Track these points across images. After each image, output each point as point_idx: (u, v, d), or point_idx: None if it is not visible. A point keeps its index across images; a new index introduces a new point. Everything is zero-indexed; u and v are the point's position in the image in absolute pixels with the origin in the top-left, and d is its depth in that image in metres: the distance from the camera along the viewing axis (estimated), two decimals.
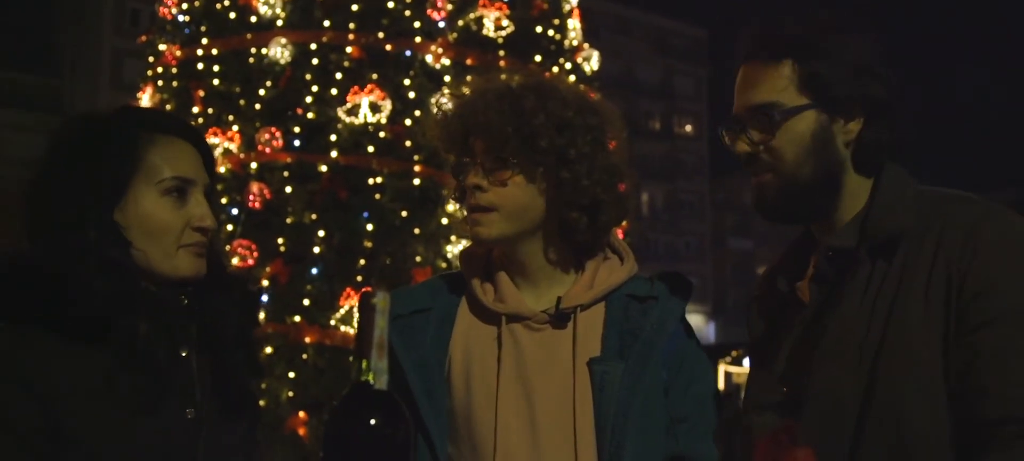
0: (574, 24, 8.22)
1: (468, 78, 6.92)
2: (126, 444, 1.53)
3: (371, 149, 6.90)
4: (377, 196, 6.85)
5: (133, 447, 1.54)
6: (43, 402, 1.48)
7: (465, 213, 1.92)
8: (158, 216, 1.63)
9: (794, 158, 1.69)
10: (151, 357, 1.56)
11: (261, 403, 4.90)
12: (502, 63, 7.32)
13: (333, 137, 6.91)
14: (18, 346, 1.52)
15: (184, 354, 1.65)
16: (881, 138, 1.71)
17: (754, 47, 1.75)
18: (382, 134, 6.89)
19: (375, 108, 6.83)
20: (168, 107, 7.34)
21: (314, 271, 6.77)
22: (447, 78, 7.14)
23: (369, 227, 6.76)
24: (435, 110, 1.99)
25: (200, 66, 7.48)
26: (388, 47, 7.12)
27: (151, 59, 7.99)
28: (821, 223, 1.77)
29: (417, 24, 7.19)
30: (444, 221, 6.85)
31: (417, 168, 6.94)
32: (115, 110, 1.75)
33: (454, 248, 6.79)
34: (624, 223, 2.12)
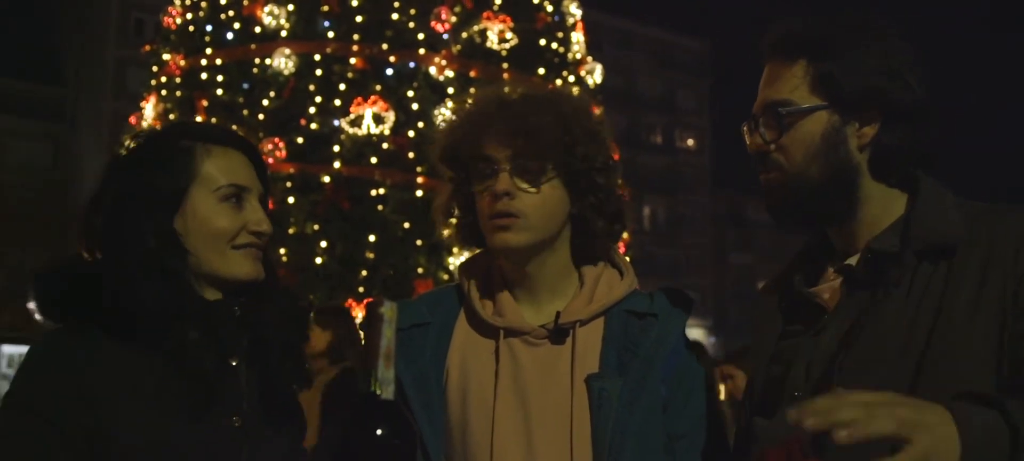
0: (578, 37, 8.24)
1: (471, 90, 6.96)
2: (171, 450, 1.57)
3: (374, 160, 6.91)
4: (379, 207, 6.86)
5: (178, 453, 1.58)
6: (90, 403, 1.54)
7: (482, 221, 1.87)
8: (216, 222, 1.69)
9: (802, 158, 1.66)
10: (200, 365, 1.60)
11: None
12: (506, 76, 7.32)
13: (336, 148, 6.92)
14: (71, 347, 1.58)
15: (234, 363, 1.70)
16: (901, 144, 1.65)
17: (774, 45, 1.72)
18: (385, 145, 6.91)
19: (378, 119, 6.84)
20: (171, 116, 7.35)
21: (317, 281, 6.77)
22: (450, 90, 7.15)
23: (371, 238, 6.76)
24: (441, 119, 2.00)
25: (204, 76, 7.51)
26: (392, 59, 7.14)
27: (155, 69, 8.02)
28: (838, 230, 1.73)
29: (421, 36, 7.21)
30: (446, 232, 6.81)
31: (420, 179, 6.94)
32: (171, 125, 1.84)
33: (456, 260, 6.78)
34: (626, 236, 2.12)
